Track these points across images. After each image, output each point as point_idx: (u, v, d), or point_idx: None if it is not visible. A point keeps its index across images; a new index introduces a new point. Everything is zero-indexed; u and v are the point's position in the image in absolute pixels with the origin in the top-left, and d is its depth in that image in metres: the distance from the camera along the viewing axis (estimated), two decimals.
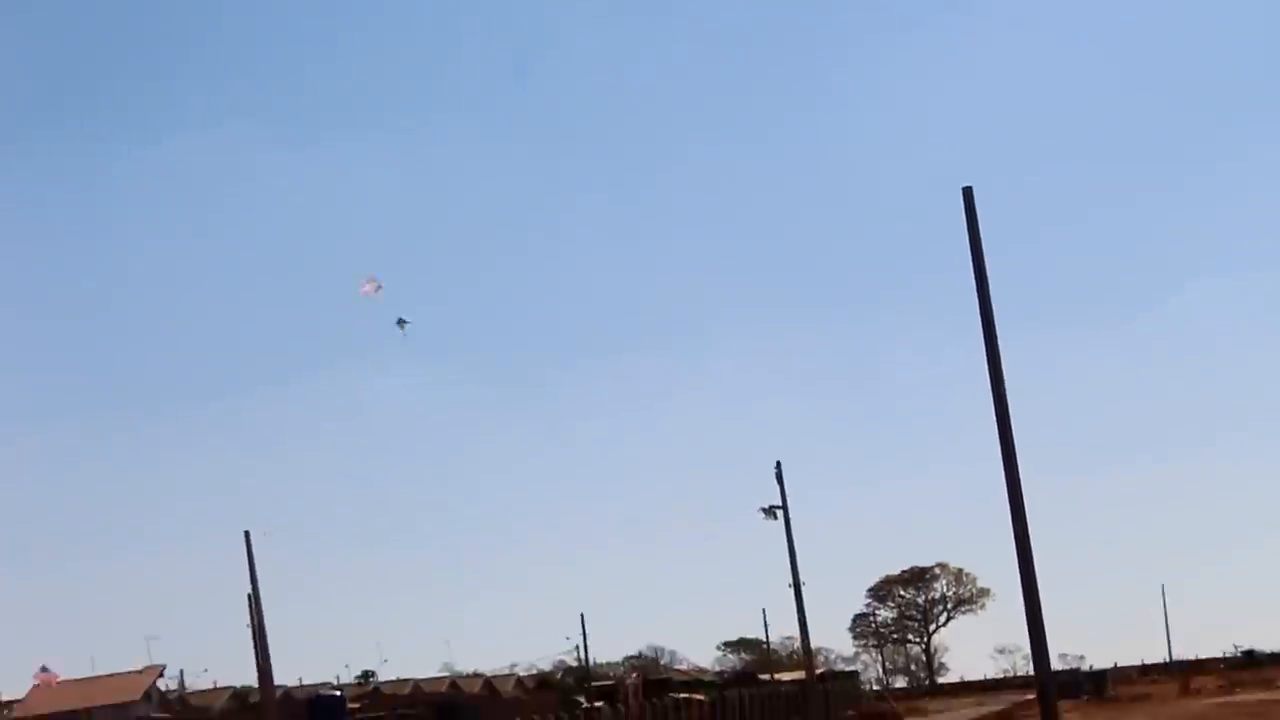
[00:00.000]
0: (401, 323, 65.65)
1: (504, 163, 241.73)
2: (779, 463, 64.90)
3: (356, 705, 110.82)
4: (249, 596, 65.72)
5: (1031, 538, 29.30)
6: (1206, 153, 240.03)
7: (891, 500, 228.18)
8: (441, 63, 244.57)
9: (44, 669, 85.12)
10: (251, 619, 65.84)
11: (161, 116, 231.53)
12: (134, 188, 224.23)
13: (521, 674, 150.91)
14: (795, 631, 76.21)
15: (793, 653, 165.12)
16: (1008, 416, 29.78)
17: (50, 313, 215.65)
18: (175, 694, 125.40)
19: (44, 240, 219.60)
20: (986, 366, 30.02)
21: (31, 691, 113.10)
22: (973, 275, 30.18)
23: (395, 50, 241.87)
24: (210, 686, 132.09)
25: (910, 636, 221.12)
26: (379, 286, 64.96)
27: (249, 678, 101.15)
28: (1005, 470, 29.74)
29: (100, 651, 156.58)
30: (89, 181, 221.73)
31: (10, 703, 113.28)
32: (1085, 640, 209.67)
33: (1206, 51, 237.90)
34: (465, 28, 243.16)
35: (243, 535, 65.52)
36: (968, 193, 30.41)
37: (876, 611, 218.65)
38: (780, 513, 64.82)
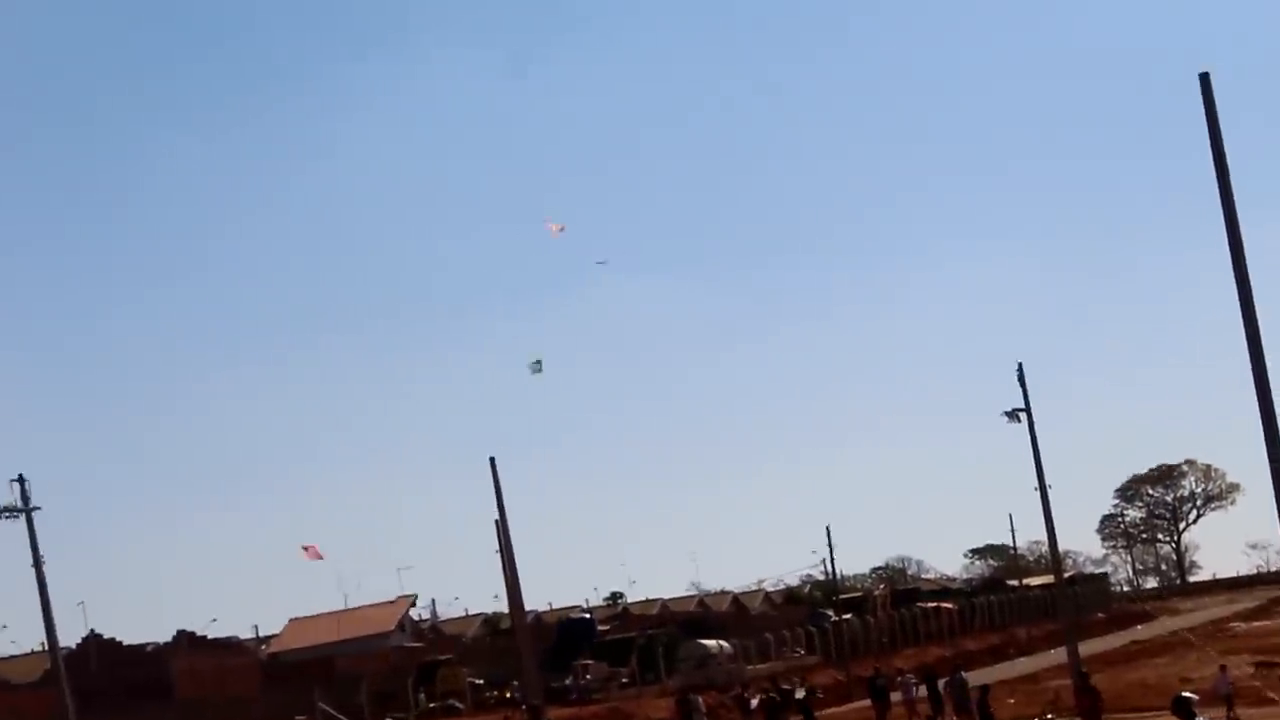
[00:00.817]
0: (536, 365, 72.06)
1: (722, 66, 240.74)
2: (1020, 364, 63.94)
3: (606, 627, 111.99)
4: (496, 522, 66.25)
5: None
6: None
7: (1137, 398, 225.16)
8: None
9: (306, 547, 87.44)
10: (500, 545, 66.37)
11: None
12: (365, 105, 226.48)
13: (769, 589, 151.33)
14: (1042, 536, 75.28)
15: (1040, 557, 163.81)
16: (1252, 304, 29.02)
17: (297, 231, 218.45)
18: (427, 623, 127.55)
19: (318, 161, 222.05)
20: (1229, 256, 29.31)
21: (287, 627, 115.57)
22: (1212, 164, 29.48)
23: None
24: (461, 614, 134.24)
25: (1160, 535, 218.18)
26: (562, 228, 72.24)
27: (500, 604, 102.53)
28: (1251, 359, 29.04)
29: (353, 585, 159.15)
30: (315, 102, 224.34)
31: (267, 638, 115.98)
32: None
33: None
34: None
35: (488, 461, 65.99)
36: (1204, 79, 29.72)
37: (1125, 512, 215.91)
38: (1024, 416, 63.79)
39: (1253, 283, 28.88)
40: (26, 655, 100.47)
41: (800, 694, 71.81)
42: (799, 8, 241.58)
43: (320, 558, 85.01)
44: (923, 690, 67.35)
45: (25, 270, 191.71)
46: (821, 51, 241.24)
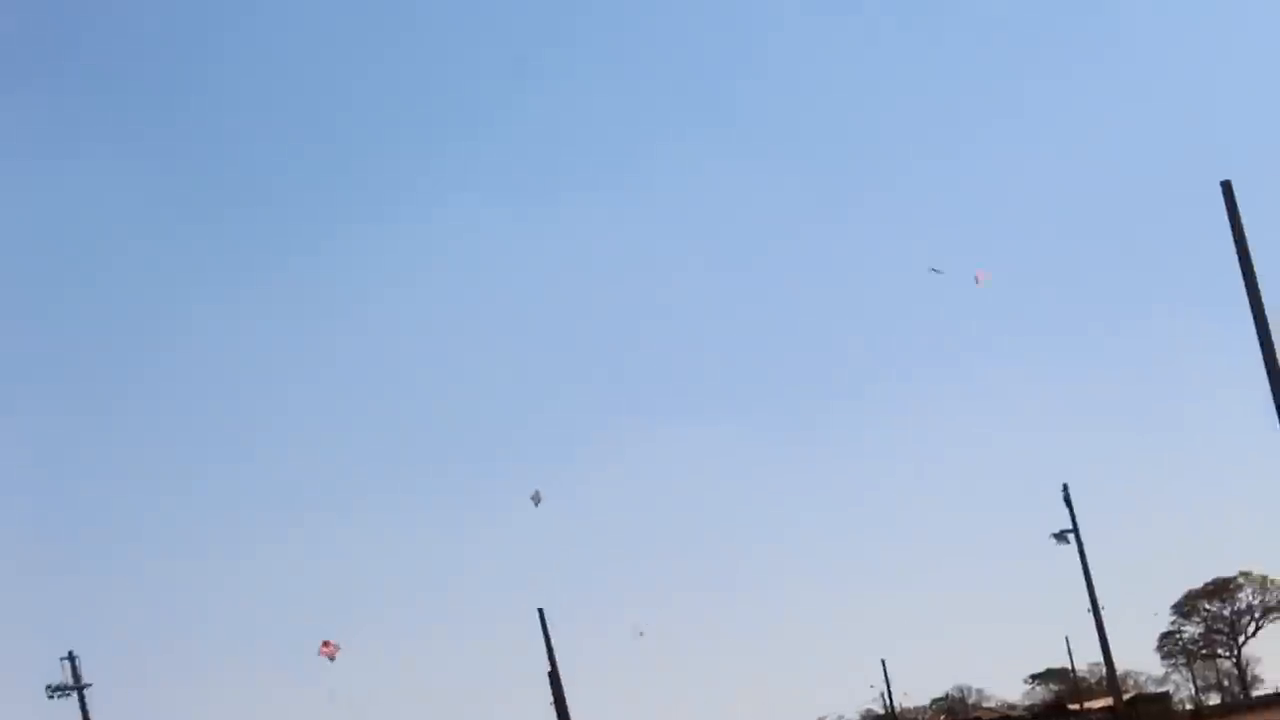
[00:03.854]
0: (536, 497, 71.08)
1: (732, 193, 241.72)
2: (1066, 485, 63.76)
3: None
4: (549, 675, 66.05)
5: None
6: None
7: (1185, 512, 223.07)
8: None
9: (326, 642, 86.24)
10: (554, 697, 66.14)
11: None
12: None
13: None
14: (1101, 658, 74.68)
15: (1101, 679, 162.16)
16: None
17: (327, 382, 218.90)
18: None
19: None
20: (1263, 362, 29.28)
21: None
22: (1239, 270, 29.49)
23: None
24: None
25: (1220, 650, 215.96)
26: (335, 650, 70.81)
27: None
28: None
29: None
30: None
31: None
32: None
33: None
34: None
35: (537, 613, 65.92)
36: (1227, 186, 29.74)
37: (1182, 628, 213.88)
38: (1072, 536, 63.53)
39: None
40: None
41: None
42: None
43: (334, 654, 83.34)
44: None
45: (62, 450, 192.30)
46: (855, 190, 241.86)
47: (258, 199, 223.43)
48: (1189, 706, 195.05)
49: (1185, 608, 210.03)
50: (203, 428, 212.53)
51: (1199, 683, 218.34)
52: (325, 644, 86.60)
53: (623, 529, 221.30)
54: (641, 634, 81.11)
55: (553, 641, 65.33)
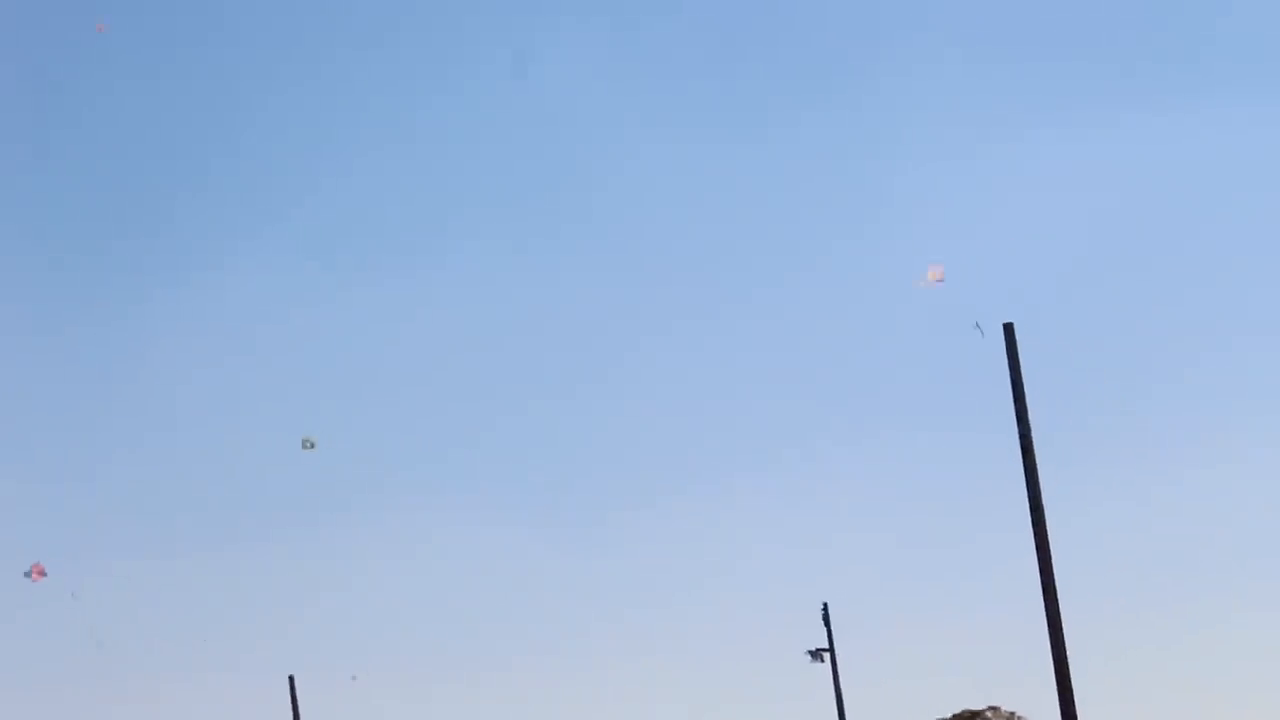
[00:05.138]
0: (307, 442, 68.25)
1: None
2: (825, 604, 64.23)
3: None
4: None
5: (1073, 678, 28.87)
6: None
7: (940, 640, 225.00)
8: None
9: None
10: None
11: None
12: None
13: None
14: None
15: None
16: (1049, 554, 29.47)
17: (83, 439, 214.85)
18: None
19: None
20: (1028, 504, 29.75)
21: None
22: (1014, 413, 29.99)
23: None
24: None
25: None
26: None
27: None
28: (1046, 610, 29.39)
29: None
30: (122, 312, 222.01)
31: None
32: None
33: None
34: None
35: (287, 680, 65.06)
36: (1009, 329, 30.27)
37: None
38: (827, 656, 63.95)
39: (1050, 534, 29.29)
40: None
41: None
42: None
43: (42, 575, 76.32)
44: None
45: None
46: None
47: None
48: None
49: None
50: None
51: None
52: (35, 568, 79.97)
53: (376, 607, 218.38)
54: (354, 678, 79.60)
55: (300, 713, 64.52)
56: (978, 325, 65.52)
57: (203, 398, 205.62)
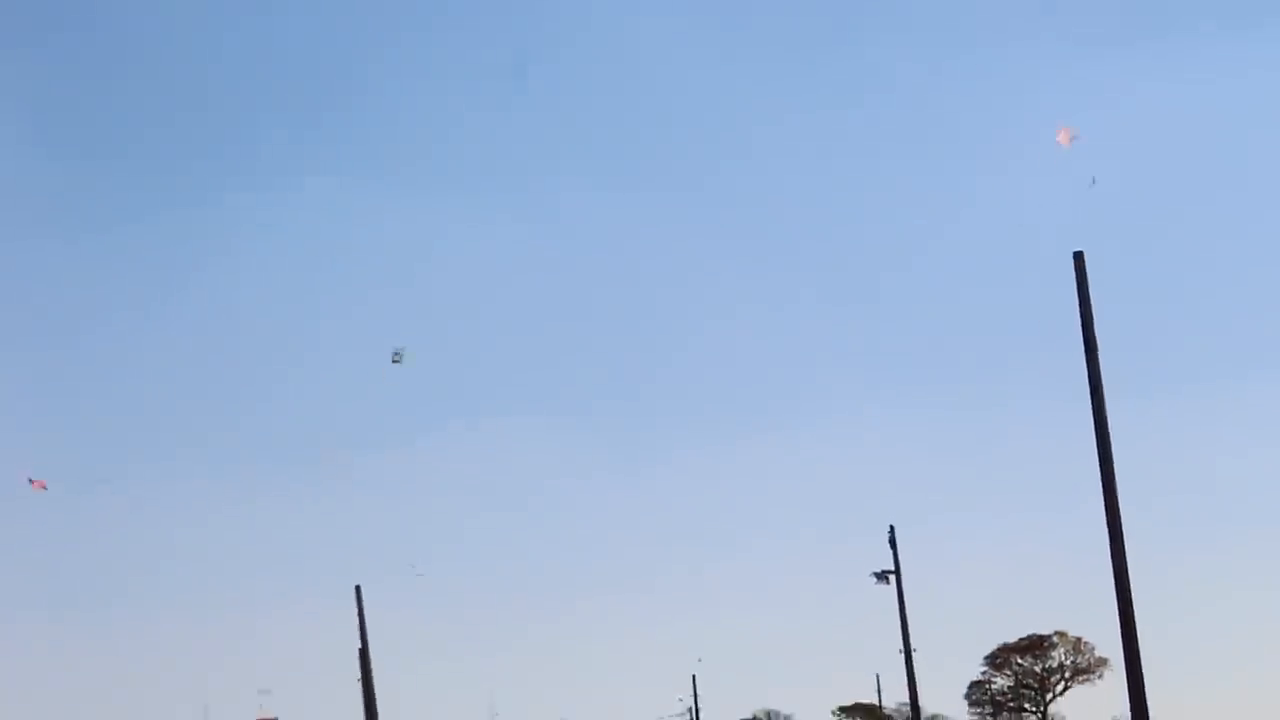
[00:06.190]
0: (396, 355, 68.24)
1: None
2: (892, 527, 64.30)
3: None
4: (360, 651, 65.79)
5: (1137, 607, 28.85)
6: None
7: (1010, 566, 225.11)
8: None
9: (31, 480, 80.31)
10: (362, 674, 65.87)
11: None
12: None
13: None
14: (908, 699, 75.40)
15: (907, 718, 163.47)
16: (1114, 485, 29.39)
17: (152, 355, 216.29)
18: None
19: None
20: (1094, 432, 29.64)
21: None
22: (1082, 341, 29.87)
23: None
24: None
25: (1026, 705, 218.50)
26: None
27: None
28: (1111, 541, 29.31)
29: (214, 705, 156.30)
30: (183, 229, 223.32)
31: None
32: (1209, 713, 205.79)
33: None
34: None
35: (354, 590, 65.65)
36: (1078, 257, 30.08)
37: (993, 680, 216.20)
38: (893, 577, 64.08)
39: (1116, 464, 29.24)
40: None
41: None
42: None
43: (43, 486, 76.80)
44: None
45: None
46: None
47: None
48: None
49: (998, 659, 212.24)
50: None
51: None
52: (32, 481, 79.89)
53: (443, 520, 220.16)
54: (420, 573, 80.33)
55: (366, 621, 65.14)
56: (1093, 180, 63.86)
57: (267, 305, 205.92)
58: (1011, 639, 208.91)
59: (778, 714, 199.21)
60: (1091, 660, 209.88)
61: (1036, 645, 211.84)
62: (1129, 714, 30.04)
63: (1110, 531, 29.47)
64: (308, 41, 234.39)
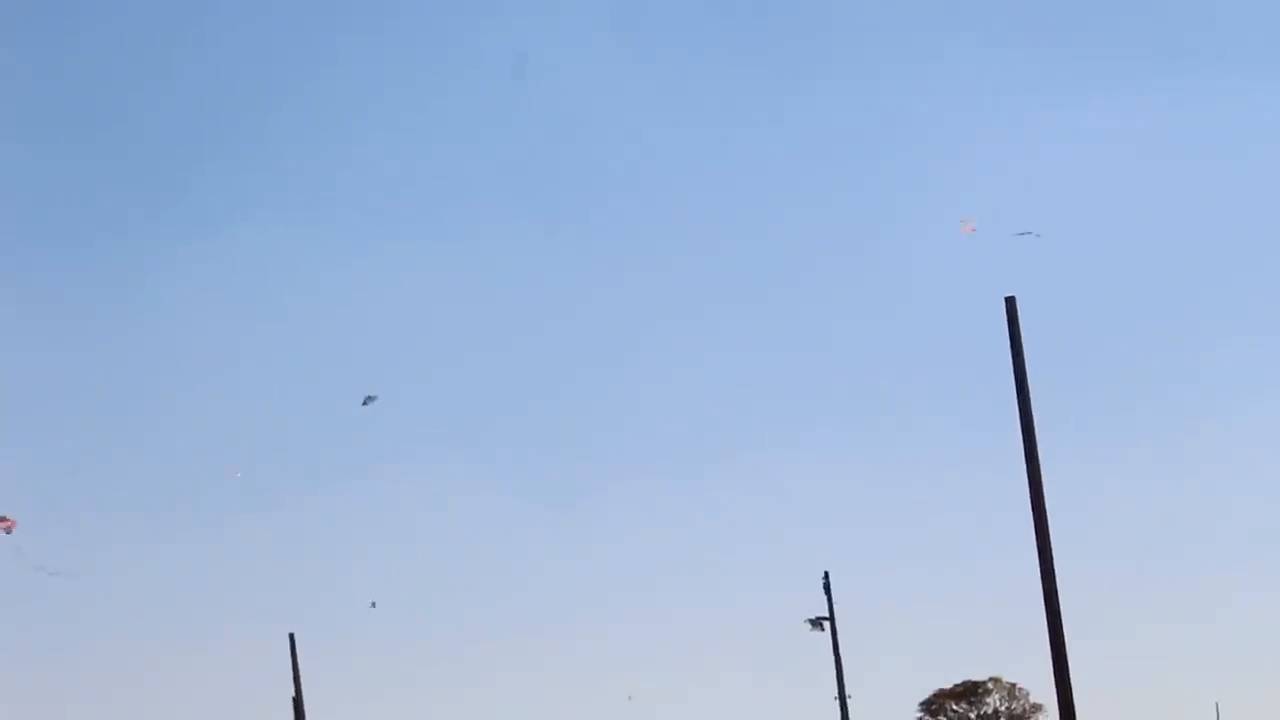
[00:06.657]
0: (368, 400, 69.54)
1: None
2: (827, 573, 64.27)
3: None
4: (293, 700, 65.40)
5: (1070, 653, 28.92)
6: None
7: (945, 611, 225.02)
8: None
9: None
10: None
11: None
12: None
13: None
14: None
15: None
16: (1047, 530, 29.46)
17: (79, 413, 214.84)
18: None
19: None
20: (1027, 480, 29.71)
21: None
22: (1014, 386, 29.93)
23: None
24: None
25: None
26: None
27: None
28: (1044, 585, 29.41)
29: None
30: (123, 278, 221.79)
31: None
32: None
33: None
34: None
35: (287, 637, 65.23)
36: (1010, 302, 30.19)
37: None
38: (827, 625, 64.01)
39: (1049, 508, 29.30)
40: None
41: None
42: None
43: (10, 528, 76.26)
44: None
45: None
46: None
47: None
48: None
49: (933, 705, 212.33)
50: None
51: None
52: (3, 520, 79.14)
53: (375, 570, 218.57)
54: (374, 605, 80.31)
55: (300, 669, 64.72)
56: (1037, 234, 63.69)
57: (213, 358, 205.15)
58: (947, 685, 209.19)
59: None
60: (1026, 706, 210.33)
61: (972, 691, 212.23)
62: None
63: (1044, 578, 29.55)
64: (223, 83, 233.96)
